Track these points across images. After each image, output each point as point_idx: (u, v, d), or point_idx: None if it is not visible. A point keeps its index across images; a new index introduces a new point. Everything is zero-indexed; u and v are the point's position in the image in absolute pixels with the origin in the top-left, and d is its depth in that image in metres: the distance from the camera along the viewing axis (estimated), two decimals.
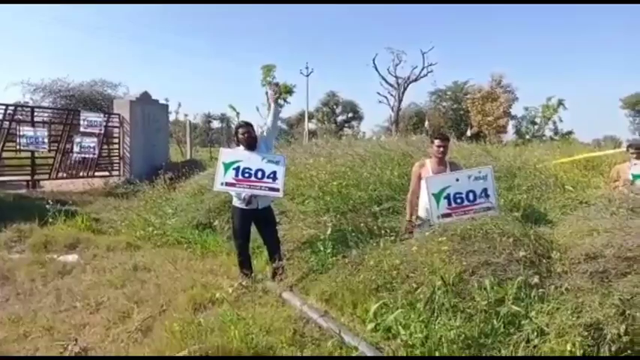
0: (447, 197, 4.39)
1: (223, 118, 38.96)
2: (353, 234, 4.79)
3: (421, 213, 4.62)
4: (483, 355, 2.90)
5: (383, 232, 4.53)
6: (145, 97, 14.03)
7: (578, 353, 2.64)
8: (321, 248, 4.74)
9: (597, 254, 3.36)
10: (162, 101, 15.58)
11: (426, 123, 24.66)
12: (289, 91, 30.71)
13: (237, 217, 4.79)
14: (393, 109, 34.41)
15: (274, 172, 4.66)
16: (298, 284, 4.34)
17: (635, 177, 5.13)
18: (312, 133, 30.18)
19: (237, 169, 4.65)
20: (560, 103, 33.15)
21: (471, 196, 4.41)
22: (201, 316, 3.64)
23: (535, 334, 2.88)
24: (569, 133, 32.94)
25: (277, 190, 4.66)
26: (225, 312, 3.49)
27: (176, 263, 5.06)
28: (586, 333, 2.73)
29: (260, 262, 5.13)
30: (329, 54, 77.82)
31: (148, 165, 12.71)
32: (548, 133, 34.01)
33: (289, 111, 41.96)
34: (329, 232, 4.78)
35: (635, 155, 5.78)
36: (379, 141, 10.16)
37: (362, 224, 5.06)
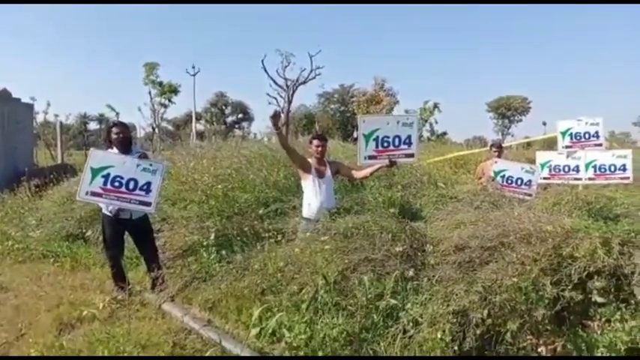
0: (376, 139, 4.51)
1: (101, 119, 36.24)
2: (238, 238, 4.68)
3: (305, 213, 4.65)
4: (363, 349, 2.98)
5: (269, 234, 4.48)
6: (5, 94, 12.46)
7: (448, 339, 2.82)
8: (205, 254, 4.55)
9: (464, 245, 3.63)
10: (26, 100, 13.98)
11: (316, 125, 25.17)
12: (174, 90, 29.46)
13: (107, 225, 4.42)
14: (283, 111, 34.62)
15: (148, 184, 4.19)
16: (180, 294, 4.13)
17: (496, 174, 5.67)
18: (200, 135, 29.26)
19: (106, 177, 4.10)
20: (436, 106, 35.84)
21: (396, 141, 4.55)
22: (67, 337, 3.29)
23: (411, 324, 3.04)
24: (444, 134, 35.67)
25: (149, 204, 4.20)
26: (93, 331, 3.19)
27: (40, 280, 4.55)
28: (455, 320, 2.93)
29: (139, 273, 4.80)
30: (217, 54, 76.33)
31: (8, 170, 11.29)
32: (425, 134, 36.61)
33: (175, 112, 40.29)
34: (212, 237, 4.62)
35: (497, 154, 6.42)
36: (265, 142, 10.12)
37: (247, 228, 4.97)
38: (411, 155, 4.56)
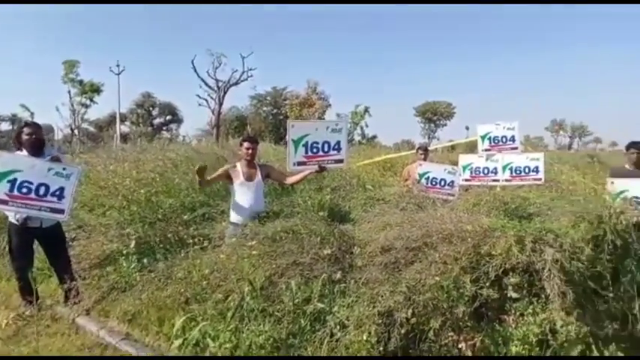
0: (305, 145, 4.46)
1: (14, 119, 33.65)
2: (161, 245, 4.48)
3: (233, 217, 4.54)
4: (291, 354, 2.94)
5: (195, 240, 4.32)
6: None
7: (373, 341, 2.85)
8: (125, 263, 4.31)
9: (390, 246, 3.69)
10: None
11: (248, 127, 24.88)
12: (96, 89, 27.97)
13: (14, 234, 4.06)
14: (213, 113, 33.90)
15: (60, 189, 3.87)
16: (96, 306, 3.87)
17: (421, 176, 5.86)
18: (125, 137, 27.95)
19: (13, 182, 3.74)
20: (367, 110, 36.70)
21: (326, 146, 4.52)
22: None
23: (338, 327, 3.04)
24: (374, 137, 36.61)
25: (62, 211, 3.90)
26: None
27: None
28: (380, 321, 2.96)
29: (50, 285, 4.45)
30: (144, 53, 73.42)
31: None
32: (357, 137, 37.34)
33: (98, 112, 38.25)
34: (133, 244, 4.39)
35: (423, 156, 6.64)
36: (192, 145, 9.83)
37: (172, 234, 4.76)
38: (341, 161, 4.59)
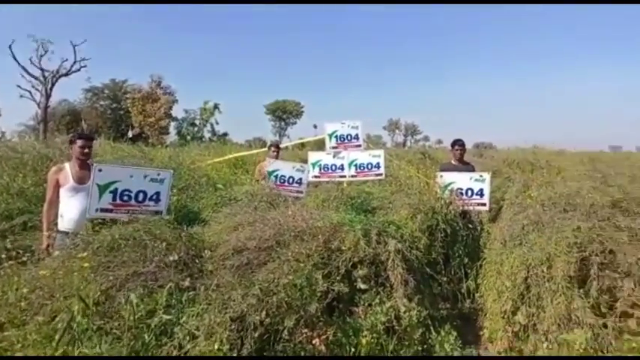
0: (114, 192, 4.00)
1: None
2: None
3: (61, 225, 3.98)
4: None
5: (12, 254, 3.67)
6: None
7: (225, 349, 2.69)
8: None
9: (242, 247, 3.58)
10: None
11: (83, 123, 22.51)
12: None
13: None
14: (39, 106, 29.93)
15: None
16: None
17: (270, 173, 5.83)
18: None
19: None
20: (216, 106, 35.98)
21: (140, 196, 4.13)
22: None
23: (187, 338, 2.81)
24: (225, 134, 36.06)
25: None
26: None
27: None
28: (233, 327, 2.82)
29: None
30: None
31: None
32: (207, 134, 36.39)
33: None
34: None
35: (275, 153, 6.64)
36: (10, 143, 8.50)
37: None
38: (159, 212, 4.23)
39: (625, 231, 3.19)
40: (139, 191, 4.13)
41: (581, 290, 3.08)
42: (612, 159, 11.16)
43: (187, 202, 5.41)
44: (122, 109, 35.00)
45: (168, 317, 2.86)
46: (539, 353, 3.10)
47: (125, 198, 4.07)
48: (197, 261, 3.56)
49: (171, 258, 3.33)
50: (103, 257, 3.32)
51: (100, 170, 3.97)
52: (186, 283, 3.15)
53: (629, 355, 2.80)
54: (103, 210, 4.00)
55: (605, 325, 2.92)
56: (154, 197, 4.20)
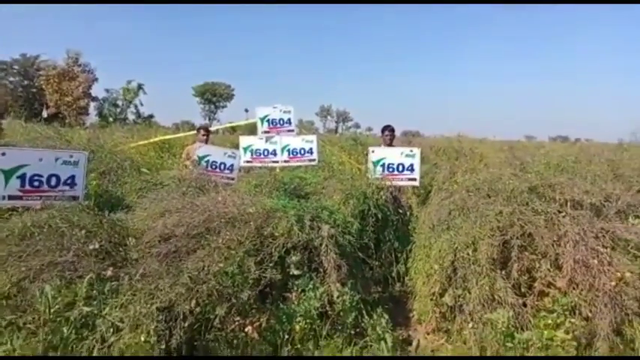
0: (22, 177, 3.68)
1: None
2: None
3: None
4: None
5: None
6: None
7: (152, 341, 2.56)
8: None
9: (170, 235, 3.41)
10: None
11: None
12: None
13: None
14: None
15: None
16: None
17: (201, 158, 5.63)
18: None
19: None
20: (140, 87, 34.28)
21: (53, 180, 3.84)
22: None
23: (111, 331, 2.65)
24: (151, 116, 34.55)
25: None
26: None
27: None
28: (160, 317, 2.69)
29: None
30: None
31: None
32: (131, 116, 34.63)
33: None
34: None
35: (205, 137, 6.43)
36: None
37: None
38: (76, 198, 3.94)
39: (542, 215, 3.39)
40: (51, 175, 3.87)
41: (503, 272, 3.25)
42: (528, 147, 11.93)
43: (109, 187, 5.08)
44: (35, 87, 32.33)
45: (89, 309, 2.68)
46: (465, 333, 3.24)
47: (36, 183, 3.79)
48: (121, 249, 3.36)
49: (91, 247, 3.11)
50: (13, 246, 3.05)
51: (3, 154, 3.65)
52: (109, 273, 2.96)
53: (544, 331, 2.99)
54: (11, 197, 3.71)
55: (524, 304, 3.11)
56: (69, 181, 3.96)
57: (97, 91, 33.98)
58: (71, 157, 3.93)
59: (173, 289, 2.77)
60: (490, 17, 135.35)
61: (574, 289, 3.02)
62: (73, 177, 3.90)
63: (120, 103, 34.19)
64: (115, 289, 2.87)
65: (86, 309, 2.67)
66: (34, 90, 32.64)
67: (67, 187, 3.88)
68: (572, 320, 2.95)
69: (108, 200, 4.59)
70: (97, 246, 3.17)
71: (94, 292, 2.82)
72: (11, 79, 34.23)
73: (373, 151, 5.48)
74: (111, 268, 3.01)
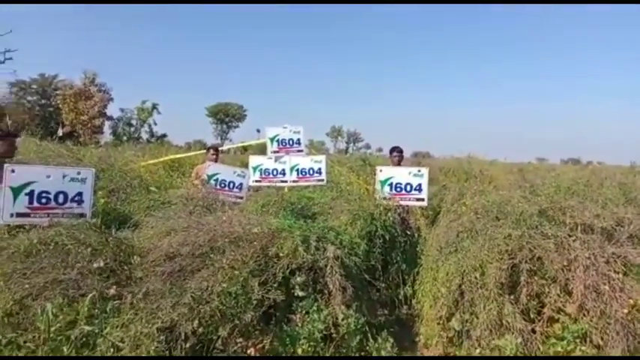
0: (30, 194, 3.71)
1: None
2: None
3: None
4: None
5: None
6: None
7: None
8: None
9: (175, 253, 3.40)
10: None
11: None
12: None
13: None
14: None
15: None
16: None
17: (210, 177, 5.66)
18: None
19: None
20: (155, 107, 34.80)
21: (61, 197, 3.85)
22: None
23: (111, 350, 2.62)
24: (164, 136, 34.96)
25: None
26: None
27: None
28: (162, 337, 2.66)
29: None
30: None
31: None
32: (144, 135, 35.09)
33: None
34: None
35: (214, 156, 6.48)
36: None
37: None
38: (84, 215, 3.96)
39: (552, 239, 3.32)
40: (59, 192, 3.86)
41: (512, 296, 3.18)
42: (539, 170, 11.82)
43: (117, 205, 5.11)
44: (52, 105, 33.00)
45: (90, 328, 2.66)
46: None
47: (43, 200, 3.79)
48: (125, 267, 3.35)
49: (95, 265, 3.10)
50: (18, 263, 3.05)
51: (12, 171, 3.68)
52: (112, 291, 2.95)
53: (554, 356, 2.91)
54: (19, 214, 3.70)
55: (533, 331, 3.03)
56: (77, 198, 3.93)
57: (112, 110, 34.64)
58: (79, 174, 3.95)
59: (175, 309, 2.75)
60: (503, 39, 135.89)
61: (584, 315, 2.93)
62: (80, 194, 3.92)
63: (134, 122, 34.81)
64: (118, 307, 2.86)
65: (87, 328, 2.64)
66: (51, 109, 33.31)
67: (74, 205, 3.89)
68: (583, 348, 2.86)
69: (115, 218, 4.61)
70: (101, 264, 3.16)
71: (96, 310, 2.80)
72: (29, 98, 34.98)
73: (381, 171, 5.46)
74: (114, 287, 2.99)
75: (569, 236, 3.34)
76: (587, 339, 2.90)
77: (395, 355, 3.18)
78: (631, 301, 2.84)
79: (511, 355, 2.89)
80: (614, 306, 2.84)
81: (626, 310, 2.81)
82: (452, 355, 3.42)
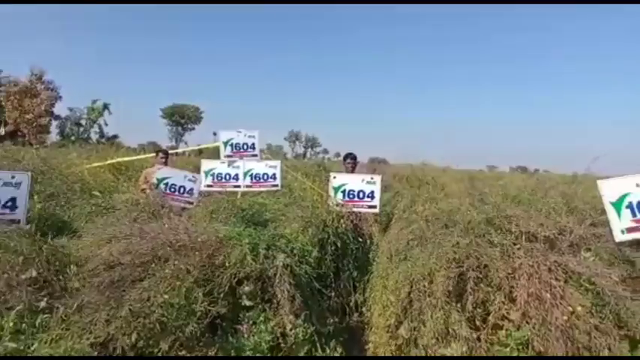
0: None
1: None
2: None
3: None
4: None
5: None
6: None
7: None
8: None
9: (115, 263, 3.23)
10: None
11: None
12: None
13: None
14: None
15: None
16: None
17: (160, 181, 5.46)
18: None
19: None
20: (106, 106, 33.61)
21: None
22: None
23: None
24: (115, 137, 33.81)
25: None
26: None
27: None
28: (96, 353, 2.50)
29: None
30: None
31: None
32: (94, 136, 33.82)
33: None
34: None
35: (164, 160, 6.26)
36: None
37: None
38: (17, 221, 3.73)
39: (498, 247, 3.38)
40: None
41: (458, 304, 3.20)
42: (488, 177, 12.16)
43: (56, 210, 4.83)
44: None
45: (15, 345, 2.46)
46: None
47: None
48: (61, 278, 3.15)
49: (25, 275, 2.89)
50: None
51: None
52: (42, 304, 2.75)
53: None
54: None
55: (478, 338, 3.05)
56: (9, 204, 3.74)
57: (60, 109, 33.17)
58: (13, 178, 3.71)
59: (112, 323, 2.59)
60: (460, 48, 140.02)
61: (527, 322, 2.98)
62: (14, 199, 3.68)
63: (83, 122, 33.46)
64: (47, 322, 2.67)
65: (12, 345, 2.45)
66: None
67: (7, 211, 3.65)
68: (526, 355, 2.91)
69: (53, 224, 4.34)
70: (34, 274, 2.96)
71: (24, 325, 2.61)
72: None
73: (335, 177, 5.44)
74: (46, 299, 2.80)
75: (514, 244, 3.41)
76: (530, 346, 2.95)
77: None
78: (570, 308, 2.91)
79: None
80: (555, 313, 2.90)
81: (565, 317, 2.88)
82: None
